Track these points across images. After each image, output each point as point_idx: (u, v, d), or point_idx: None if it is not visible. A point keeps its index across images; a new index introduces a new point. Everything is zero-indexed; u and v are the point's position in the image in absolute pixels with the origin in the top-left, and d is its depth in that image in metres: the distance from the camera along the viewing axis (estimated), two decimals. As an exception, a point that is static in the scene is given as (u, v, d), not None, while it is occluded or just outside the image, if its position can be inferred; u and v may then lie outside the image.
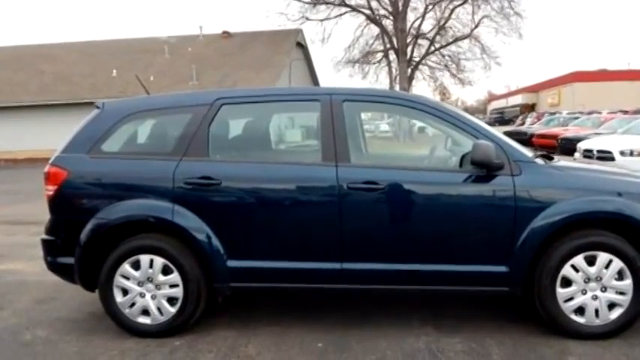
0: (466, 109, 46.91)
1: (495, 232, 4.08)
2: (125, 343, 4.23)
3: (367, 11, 34.51)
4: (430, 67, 39.59)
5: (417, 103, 4.45)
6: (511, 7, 33.21)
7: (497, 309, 4.75)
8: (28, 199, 12.81)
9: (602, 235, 4.06)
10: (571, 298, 4.07)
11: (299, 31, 35.86)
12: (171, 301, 4.27)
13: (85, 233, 4.24)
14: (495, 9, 33.73)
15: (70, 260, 4.31)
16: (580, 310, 4.08)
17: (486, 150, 3.95)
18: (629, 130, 14.82)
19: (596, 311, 4.05)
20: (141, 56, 32.64)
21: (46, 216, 4.48)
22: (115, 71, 30.49)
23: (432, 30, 36.41)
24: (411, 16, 34.90)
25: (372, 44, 37.82)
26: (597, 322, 4.06)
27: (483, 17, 34.40)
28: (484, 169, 4.06)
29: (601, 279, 4.03)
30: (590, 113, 29.12)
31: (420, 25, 35.83)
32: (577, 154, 13.77)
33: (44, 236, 4.46)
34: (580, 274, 4.03)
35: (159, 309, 4.27)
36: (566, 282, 4.06)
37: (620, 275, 4.02)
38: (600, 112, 29.17)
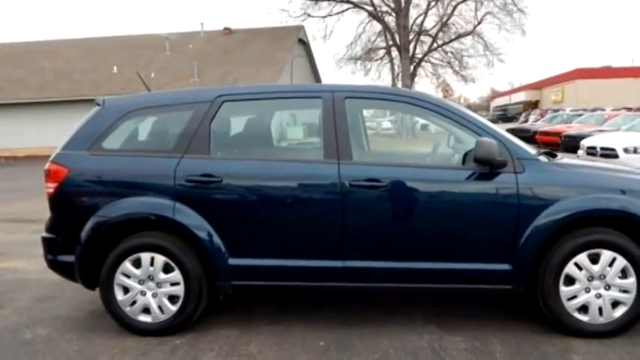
0: (469, 106, 46.94)
1: (498, 229, 4.06)
2: (126, 341, 4.21)
3: (369, 8, 34.45)
4: (433, 64, 39.57)
5: (419, 100, 4.42)
6: (514, 3, 33.19)
7: (500, 307, 4.72)
8: (29, 196, 12.79)
9: (605, 232, 4.04)
10: (574, 297, 4.05)
11: (301, 28, 35.83)
12: (173, 299, 4.25)
13: (86, 231, 4.22)
14: (498, 5, 33.71)
15: (71, 258, 4.29)
16: (583, 309, 4.05)
17: (489, 147, 3.93)
18: (633, 128, 14.79)
19: (600, 309, 4.03)
20: (142, 53, 32.67)
21: (46, 214, 4.47)
22: (115, 68, 30.49)
23: (434, 27, 36.39)
24: (413, 13, 34.91)
25: (375, 41, 37.78)
26: (601, 320, 4.04)
27: (486, 14, 34.39)
28: (487, 166, 4.03)
29: (605, 277, 4.01)
30: (593, 110, 29.01)
31: (422, 21, 35.85)
32: (580, 152, 13.73)
33: (44, 234, 4.45)
34: (583, 272, 4.01)
35: (160, 307, 4.25)
36: (570, 280, 4.03)
37: (624, 273, 4.00)
38: (604, 109, 29.08)
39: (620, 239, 3.99)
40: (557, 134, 19.96)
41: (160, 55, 32.44)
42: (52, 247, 4.41)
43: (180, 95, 4.81)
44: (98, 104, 4.61)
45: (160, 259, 4.21)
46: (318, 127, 4.51)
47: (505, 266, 4.06)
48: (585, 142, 14.10)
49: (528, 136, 21.87)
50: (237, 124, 4.82)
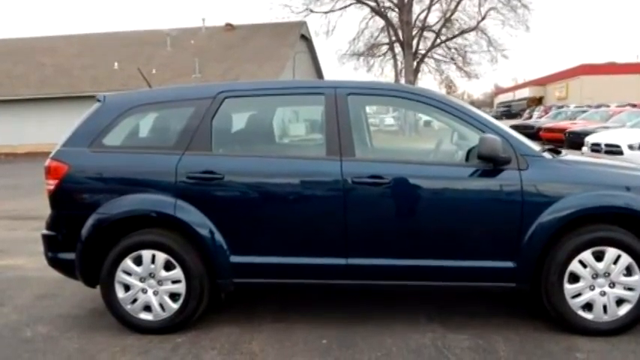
0: (472, 103, 46.85)
1: (502, 227, 4.03)
2: (127, 339, 4.19)
3: (372, 3, 34.35)
4: (436, 60, 39.44)
5: (422, 96, 4.39)
6: (518, -2, 33.03)
7: (503, 305, 4.70)
8: (29, 193, 12.76)
9: (610, 230, 4.01)
10: (579, 294, 4.02)
11: (303, 24, 35.77)
12: (174, 297, 4.23)
13: (86, 228, 4.20)
14: (502, 1, 33.57)
15: (71, 256, 4.27)
16: (588, 307, 4.03)
17: (493, 144, 3.90)
18: (637, 124, 14.74)
19: (605, 307, 4.00)
20: (143, 49, 32.61)
21: (46, 211, 4.45)
22: (116, 64, 30.41)
23: (437, 22, 36.25)
24: (416, 8, 34.78)
25: (377, 37, 37.67)
26: (605, 318, 4.02)
27: (490, 9, 34.26)
28: (491, 163, 4.01)
29: (609, 275, 3.98)
30: (598, 107, 28.98)
31: (425, 17, 35.68)
32: (585, 148, 13.66)
33: (45, 231, 4.43)
34: (588, 269, 3.98)
35: (161, 305, 4.23)
36: (574, 278, 4.01)
37: (629, 271, 3.97)
38: (609, 106, 29.03)
39: (625, 236, 3.96)
40: (562, 131, 19.91)
41: (161, 51, 32.40)
42: (52, 245, 4.39)
43: (181, 91, 4.79)
44: (99, 100, 4.58)
45: (161, 257, 4.18)
46: (320, 123, 4.50)
47: (509, 264, 4.03)
48: (590, 139, 14.04)
49: (532, 133, 21.81)
50: (239, 121, 4.79)
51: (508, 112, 62.41)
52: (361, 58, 38.34)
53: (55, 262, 4.43)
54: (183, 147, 4.28)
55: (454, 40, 36.89)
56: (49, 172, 4.36)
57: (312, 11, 34.32)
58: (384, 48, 38.43)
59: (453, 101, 4.45)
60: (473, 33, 35.72)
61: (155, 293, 4.23)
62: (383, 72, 39.85)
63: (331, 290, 4.95)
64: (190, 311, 4.23)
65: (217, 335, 4.24)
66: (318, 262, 4.16)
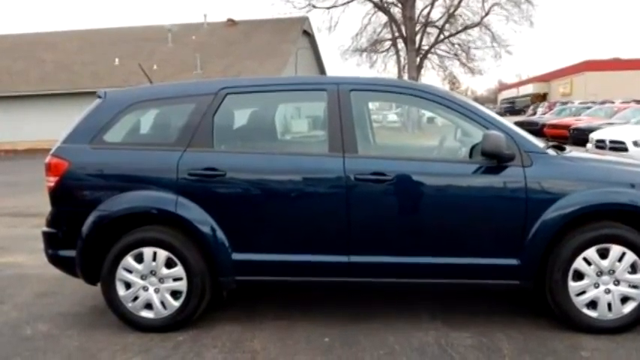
0: (476, 99, 46.80)
1: (506, 224, 4.01)
2: (128, 337, 4.17)
3: (375, -1, 34.28)
4: (439, 56, 39.43)
5: (425, 92, 4.36)
6: (522, -6, 32.93)
7: (507, 303, 4.67)
8: (29, 190, 12.71)
9: (615, 227, 3.99)
10: (583, 292, 4.00)
11: (305, 19, 35.70)
12: (175, 294, 4.21)
13: (87, 225, 4.18)
14: (506, -4, 33.46)
15: (72, 253, 4.25)
16: (592, 304, 4.01)
17: (497, 140, 3.87)
18: (642, 121, 14.67)
19: (609, 305, 3.98)
20: (144, 45, 32.56)
21: (47, 208, 4.43)
22: (117, 60, 30.42)
23: (441, 18, 36.22)
24: (419, 4, 34.67)
25: (380, 32, 37.66)
26: (610, 316, 4.00)
27: (494, 5, 34.22)
28: (494, 160, 3.98)
29: (614, 272, 3.96)
30: (602, 103, 28.87)
31: (429, 12, 35.64)
32: (589, 145, 13.63)
33: (45, 228, 4.41)
34: (592, 267, 3.96)
35: (162, 303, 4.21)
36: (579, 275, 3.98)
37: (634, 268, 3.96)
38: (613, 102, 28.89)
39: (630, 234, 3.94)
40: (566, 127, 19.87)
41: (162, 47, 32.37)
42: (52, 242, 4.37)
43: (183, 87, 4.77)
44: (100, 97, 4.56)
45: (163, 254, 4.16)
46: (322, 120, 4.48)
47: (513, 261, 4.00)
48: (594, 135, 14.01)
49: (536, 129, 21.75)
50: (241, 117, 4.76)
51: (512, 108, 62.22)
52: (364, 54, 38.41)
53: (55, 260, 4.42)
54: (184, 143, 4.26)
55: (457, 35, 36.86)
56: (50, 168, 4.34)
57: (314, 7, 34.20)
58: (387, 44, 38.46)
59: (456, 97, 4.42)
60: (476, 29, 35.74)
61: (156, 291, 4.20)
62: (386, 68, 39.92)
63: (333, 288, 4.92)
64: (192, 309, 4.21)
65: (219, 333, 4.22)
66: (321, 259, 4.14)
